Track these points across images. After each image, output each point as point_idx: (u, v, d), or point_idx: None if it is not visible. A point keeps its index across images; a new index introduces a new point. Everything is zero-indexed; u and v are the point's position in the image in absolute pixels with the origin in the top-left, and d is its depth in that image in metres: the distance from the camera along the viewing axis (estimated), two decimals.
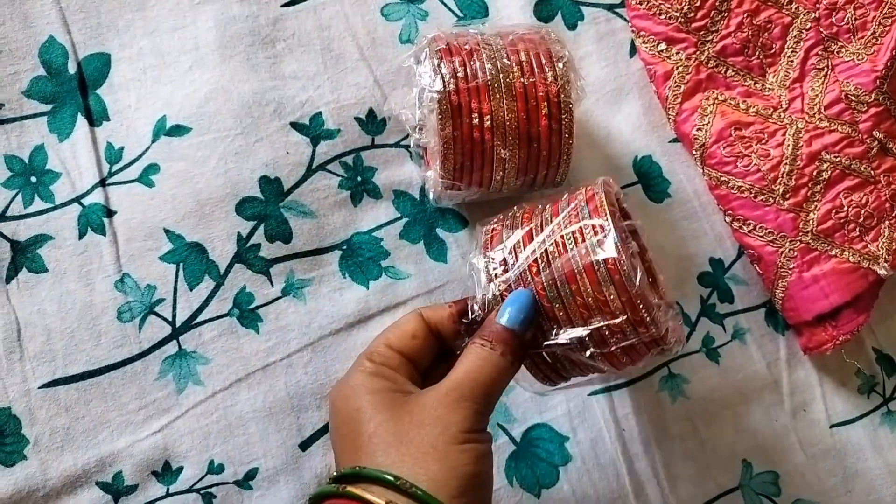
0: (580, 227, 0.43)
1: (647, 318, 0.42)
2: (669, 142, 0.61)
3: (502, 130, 0.48)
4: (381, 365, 0.40)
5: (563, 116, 0.48)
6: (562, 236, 0.44)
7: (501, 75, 0.48)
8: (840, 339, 0.56)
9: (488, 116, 0.47)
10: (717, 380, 0.58)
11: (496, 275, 0.45)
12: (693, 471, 0.56)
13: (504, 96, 0.48)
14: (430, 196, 0.54)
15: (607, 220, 0.42)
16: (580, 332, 0.42)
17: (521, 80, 0.48)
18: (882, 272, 0.56)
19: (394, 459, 0.36)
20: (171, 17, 0.57)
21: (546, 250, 0.44)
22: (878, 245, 0.57)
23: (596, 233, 0.42)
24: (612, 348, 0.42)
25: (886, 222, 0.57)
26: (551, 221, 0.45)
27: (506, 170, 0.49)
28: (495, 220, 0.47)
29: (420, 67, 0.48)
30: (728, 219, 0.59)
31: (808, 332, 0.58)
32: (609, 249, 0.41)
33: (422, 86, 0.48)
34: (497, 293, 0.43)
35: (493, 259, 0.44)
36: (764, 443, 0.58)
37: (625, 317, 0.41)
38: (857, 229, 0.57)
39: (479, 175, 0.49)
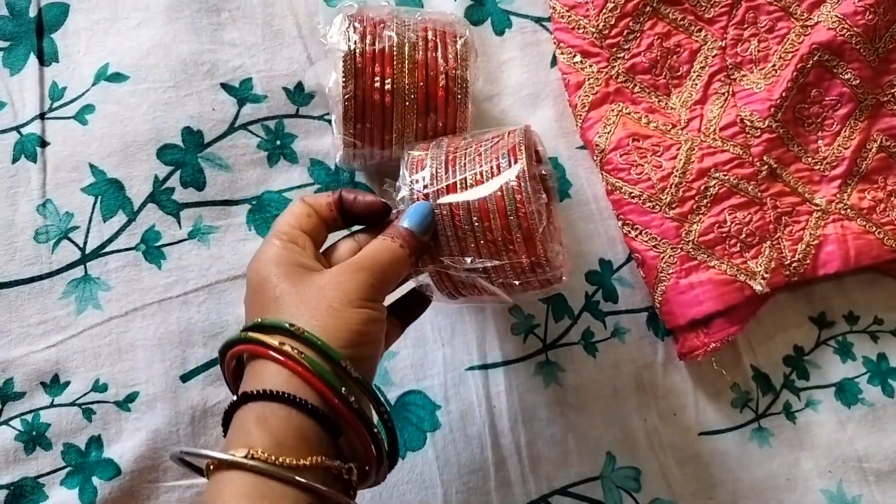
0: (498, 164, 0.48)
1: (545, 262, 0.48)
2: (577, 148, 0.66)
3: (402, 96, 0.53)
4: (288, 241, 0.44)
5: (459, 90, 0.53)
6: (481, 171, 0.48)
7: (407, 46, 0.53)
8: (711, 346, 0.60)
9: (389, 80, 0.53)
10: (591, 372, 0.62)
11: (417, 198, 0.49)
12: (556, 454, 0.59)
13: (406, 64, 0.53)
14: (336, 159, 0.59)
15: (523, 161, 0.47)
16: (486, 263, 0.48)
17: (424, 53, 0.53)
18: (758, 288, 0.60)
19: (292, 314, 0.40)
20: None
21: (466, 180, 0.48)
22: (757, 262, 0.61)
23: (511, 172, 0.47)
24: (511, 280, 0.49)
25: (769, 242, 0.61)
26: (473, 156, 0.49)
27: (404, 134, 0.54)
28: (421, 146, 0.51)
29: (331, 31, 0.54)
30: (620, 223, 0.63)
31: (683, 337, 0.62)
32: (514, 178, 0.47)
33: (327, 48, 0.53)
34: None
35: (416, 181, 0.49)
36: (630, 439, 0.61)
37: (527, 259, 0.48)
38: (739, 245, 0.61)
39: (378, 135, 0.54)
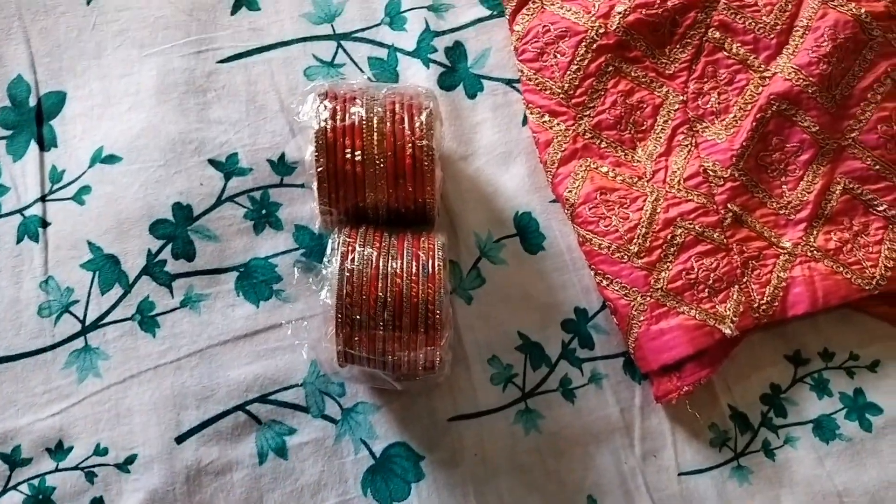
0: (418, 266, 0.56)
1: (438, 364, 0.57)
2: (549, 202, 0.70)
3: (372, 166, 0.57)
4: None
5: (426, 157, 0.57)
6: (404, 270, 0.53)
7: (375, 120, 0.57)
8: (684, 389, 0.63)
9: (359, 152, 0.57)
10: (570, 418, 0.65)
11: (349, 292, 0.54)
12: (537, 500, 0.62)
13: (374, 136, 0.57)
14: (315, 225, 0.63)
15: (441, 269, 0.56)
16: (391, 358, 0.57)
17: (391, 125, 0.57)
18: (727, 331, 0.63)
19: None
20: (121, 65, 0.69)
21: (388, 273, 0.53)
22: (726, 307, 0.64)
23: (428, 285, 0.56)
24: (402, 372, 0.58)
25: (736, 286, 0.64)
26: (397, 253, 0.54)
27: (377, 200, 0.58)
28: (350, 232, 0.56)
29: (303, 109, 0.58)
30: (592, 272, 0.66)
31: (657, 381, 0.64)
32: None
33: (301, 125, 0.57)
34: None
35: (347, 269, 0.55)
36: (611, 482, 0.64)
37: (424, 360, 0.57)
38: (707, 290, 0.64)
39: (352, 202, 0.59)
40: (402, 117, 0.59)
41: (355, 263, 0.56)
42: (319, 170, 0.58)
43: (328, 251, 0.57)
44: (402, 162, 0.59)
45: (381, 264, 0.57)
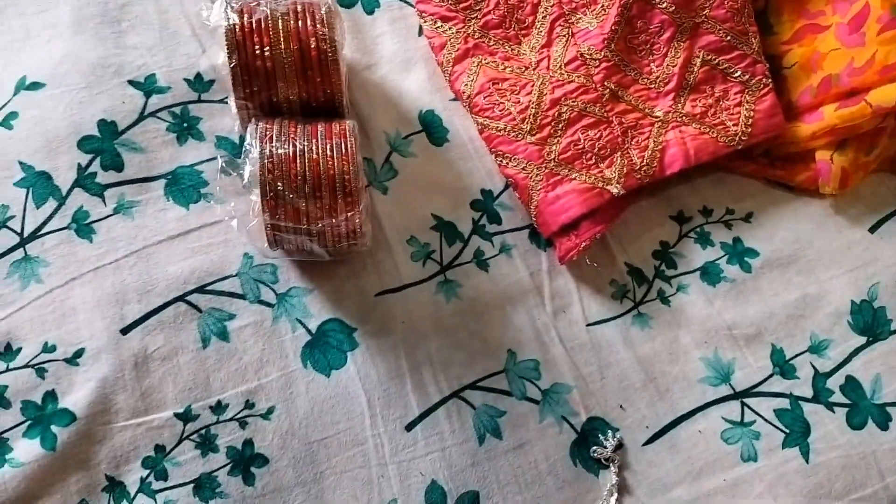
0: (332, 146, 0.62)
1: (359, 231, 0.64)
2: (450, 100, 0.77)
3: (280, 61, 0.64)
4: None
5: (329, 49, 0.64)
6: (319, 149, 0.60)
7: (280, 17, 0.64)
8: (582, 245, 0.71)
9: (267, 48, 0.63)
10: (486, 286, 0.71)
11: (270, 169, 0.60)
12: (463, 357, 0.69)
13: (280, 34, 0.63)
14: (236, 126, 0.68)
15: (353, 146, 0.63)
16: (315, 227, 0.62)
17: (294, 22, 0.64)
18: (614, 190, 0.71)
19: None
20: (37, 2, 0.74)
21: (304, 152, 0.59)
22: (611, 170, 0.72)
23: (342, 159, 0.62)
24: (328, 242, 0.64)
25: (619, 153, 0.73)
26: (311, 137, 0.61)
27: (289, 94, 0.64)
28: (267, 122, 0.62)
29: (212, 14, 0.64)
30: (493, 156, 0.74)
31: (559, 242, 0.72)
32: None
33: (212, 28, 0.63)
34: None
35: (268, 151, 0.60)
36: (527, 337, 0.71)
37: (346, 227, 0.63)
38: (594, 158, 0.72)
39: (266, 97, 0.64)
40: (304, 14, 0.66)
41: (274, 145, 0.62)
42: (233, 66, 0.64)
43: (247, 138, 0.63)
44: (308, 54, 0.65)
45: (298, 145, 0.63)
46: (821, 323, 0.73)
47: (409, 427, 0.66)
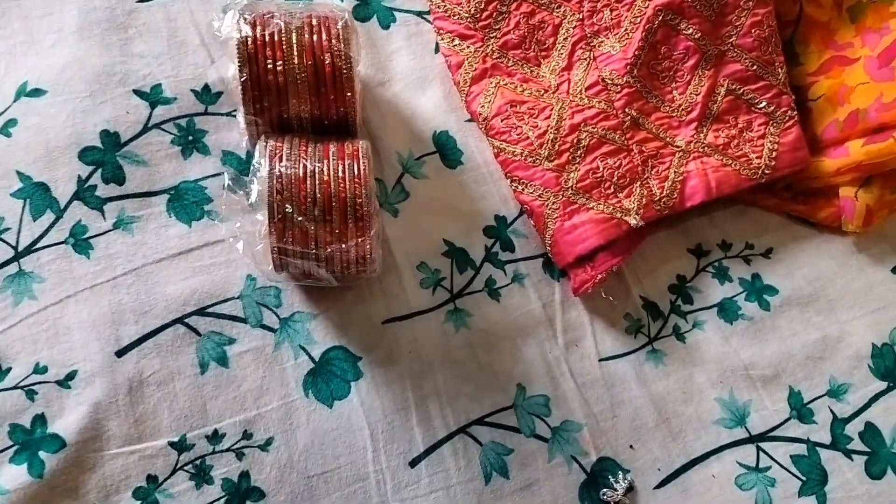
0: (345, 167, 0.60)
1: (369, 257, 0.61)
2: (465, 121, 0.75)
3: (293, 76, 0.61)
4: None
5: (344, 65, 0.61)
6: (330, 170, 0.57)
7: (294, 31, 0.61)
8: (598, 277, 0.68)
9: (280, 62, 0.60)
10: (497, 316, 0.69)
11: (278, 189, 0.57)
12: (470, 390, 0.66)
13: (294, 48, 0.61)
14: (244, 141, 0.66)
15: (366, 168, 0.61)
16: (323, 251, 0.60)
17: (309, 36, 0.61)
18: (633, 222, 0.69)
19: None
20: (42, 6, 0.72)
21: (315, 172, 0.57)
22: (630, 200, 0.70)
23: (354, 181, 0.60)
24: (336, 267, 0.61)
25: (638, 182, 0.70)
26: (323, 157, 0.58)
27: (300, 110, 0.62)
28: (277, 139, 0.59)
29: (224, 24, 0.61)
30: (508, 181, 0.71)
31: (574, 273, 0.70)
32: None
33: (223, 39, 0.60)
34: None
35: (277, 171, 0.58)
36: (537, 371, 0.68)
37: (355, 253, 0.61)
38: (612, 187, 0.70)
39: (276, 112, 0.62)
40: (320, 28, 0.63)
41: (283, 164, 0.60)
42: (243, 80, 0.62)
43: (256, 156, 0.61)
44: (322, 70, 0.63)
45: (308, 165, 0.60)
46: (840, 366, 0.71)
47: (413, 463, 0.64)
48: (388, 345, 0.67)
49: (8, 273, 0.64)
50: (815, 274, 0.74)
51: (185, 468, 0.62)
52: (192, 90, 0.71)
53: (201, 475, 0.62)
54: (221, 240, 0.68)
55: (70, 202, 0.66)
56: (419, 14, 0.78)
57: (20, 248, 0.65)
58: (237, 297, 0.67)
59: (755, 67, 0.73)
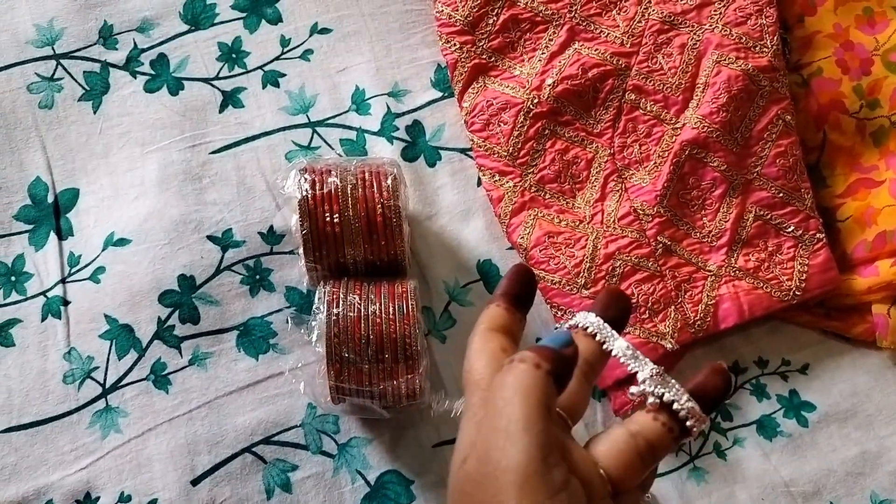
0: (395, 308, 0.66)
1: (418, 391, 0.66)
2: (507, 249, 0.81)
3: (349, 226, 0.68)
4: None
5: (393, 215, 0.68)
6: (382, 311, 0.64)
7: (349, 187, 0.69)
8: (637, 400, 0.72)
9: (336, 215, 0.67)
10: None
11: (336, 333, 0.64)
12: None
13: (349, 201, 0.68)
14: (304, 283, 0.73)
15: (414, 308, 0.67)
16: (377, 388, 0.66)
17: (362, 190, 0.69)
18: (668, 346, 0.73)
19: None
20: (126, 162, 0.80)
21: (368, 315, 0.64)
22: (665, 325, 0.74)
23: (404, 322, 0.66)
24: (388, 401, 0.67)
25: (672, 307, 0.75)
26: (375, 299, 0.65)
27: (355, 256, 0.69)
28: (334, 285, 0.66)
29: (287, 183, 0.69)
30: (548, 306, 0.76)
31: (614, 395, 0.74)
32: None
33: (286, 197, 0.68)
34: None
35: (334, 315, 0.65)
36: None
37: (406, 388, 0.66)
38: (647, 312, 0.74)
39: (334, 258, 0.69)
40: (371, 183, 0.71)
41: (340, 309, 0.66)
42: (304, 233, 0.69)
43: (316, 302, 0.68)
44: (374, 221, 0.70)
45: (362, 308, 0.67)
46: (881, 482, 0.73)
47: None
48: (439, 468, 0.72)
49: (97, 409, 0.72)
50: (852, 389, 0.77)
51: None
52: (259, 233, 0.79)
53: None
54: (283, 371, 0.74)
55: (151, 341, 0.74)
56: (462, 151, 0.85)
57: (107, 386, 0.73)
58: (299, 426, 0.73)
59: (781, 194, 0.78)
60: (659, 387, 0.46)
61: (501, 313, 0.46)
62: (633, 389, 0.46)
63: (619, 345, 0.48)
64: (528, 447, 0.36)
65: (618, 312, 0.48)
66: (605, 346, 0.48)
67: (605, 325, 0.48)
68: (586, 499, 0.39)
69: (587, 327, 0.50)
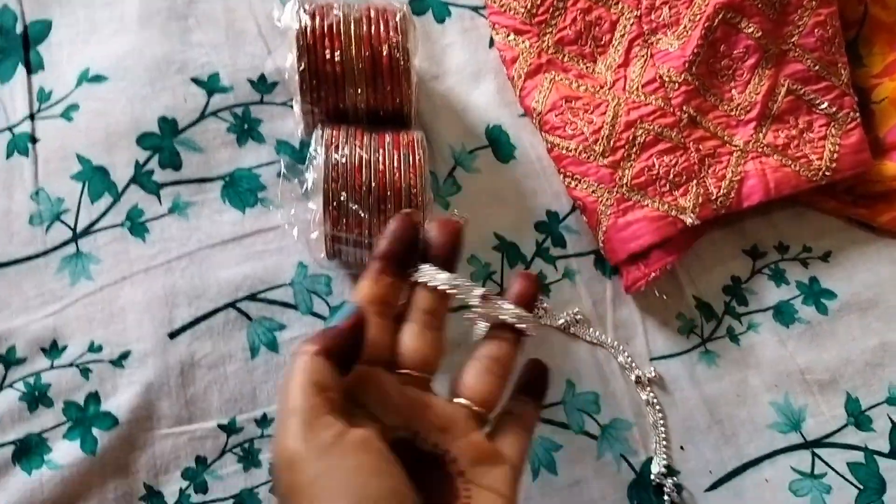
0: (400, 157, 0.61)
1: None
2: (519, 116, 0.75)
3: (350, 67, 0.62)
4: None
5: (401, 56, 0.62)
6: (386, 160, 0.58)
7: (353, 22, 0.62)
8: (651, 275, 0.68)
9: (338, 52, 0.61)
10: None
11: (334, 177, 0.58)
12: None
13: (352, 38, 0.62)
14: (298, 131, 0.67)
15: (421, 159, 0.61)
16: (374, 241, 0.59)
17: (367, 27, 0.62)
18: (688, 220, 0.69)
19: None
20: None
21: (371, 161, 0.58)
22: (686, 199, 0.69)
23: (410, 172, 0.61)
24: None
25: (695, 181, 0.70)
26: (378, 147, 0.59)
27: (357, 100, 0.63)
28: (333, 128, 0.60)
29: (283, 15, 0.63)
30: (561, 176, 0.71)
31: (626, 271, 0.69)
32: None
33: (282, 30, 0.62)
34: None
35: (333, 159, 0.58)
36: (587, 368, 0.68)
37: None
38: (668, 185, 0.69)
39: (333, 102, 0.63)
40: (378, 20, 0.64)
41: (339, 153, 0.61)
42: (301, 70, 0.63)
43: (312, 144, 0.62)
44: (379, 62, 0.64)
45: (364, 155, 0.61)
46: None
47: None
48: None
49: (66, 253, 0.66)
50: (875, 279, 0.73)
51: (234, 451, 0.62)
52: (249, 80, 0.72)
53: (249, 458, 0.62)
54: (274, 227, 0.69)
55: (127, 186, 0.68)
56: (474, 9, 0.79)
57: (78, 230, 0.67)
58: (288, 284, 0.67)
59: (817, 68, 0.73)
60: (487, 308, 0.48)
61: (323, 367, 0.39)
62: (468, 315, 0.49)
63: (441, 278, 0.46)
64: (290, 427, 0.37)
65: (446, 239, 0.47)
66: (430, 285, 0.46)
67: (424, 265, 0.46)
68: (383, 442, 0.38)
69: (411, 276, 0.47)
